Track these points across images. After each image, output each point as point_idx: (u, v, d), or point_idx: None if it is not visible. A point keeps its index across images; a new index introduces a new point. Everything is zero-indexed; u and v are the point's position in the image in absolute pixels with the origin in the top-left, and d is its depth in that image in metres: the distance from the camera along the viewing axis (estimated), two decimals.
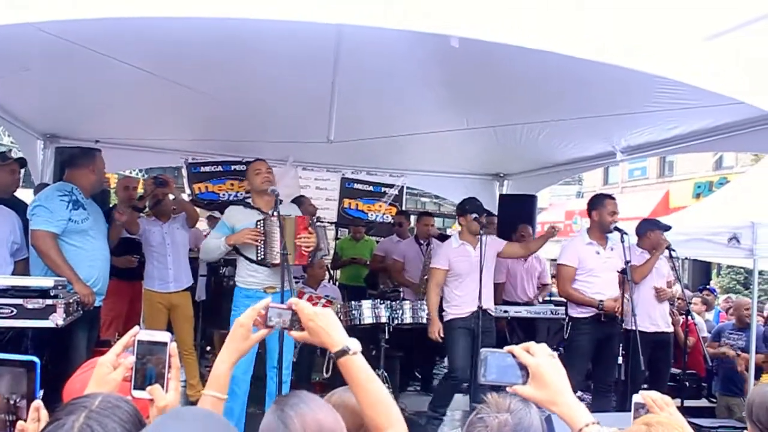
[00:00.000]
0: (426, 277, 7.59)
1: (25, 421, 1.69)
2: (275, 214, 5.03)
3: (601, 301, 5.84)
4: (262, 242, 5.08)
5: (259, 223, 5.11)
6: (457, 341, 6.02)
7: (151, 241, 6.40)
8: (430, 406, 6.24)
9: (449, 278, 6.10)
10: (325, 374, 6.06)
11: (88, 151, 5.31)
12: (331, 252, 9.12)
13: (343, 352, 1.87)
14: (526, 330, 7.53)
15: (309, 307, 1.93)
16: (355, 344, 1.91)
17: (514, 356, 1.73)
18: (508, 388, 1.73)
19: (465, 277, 5.97)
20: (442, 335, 6.05)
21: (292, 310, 1.92)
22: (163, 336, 1.75)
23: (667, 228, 6.35)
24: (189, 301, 6.63)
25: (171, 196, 6.53)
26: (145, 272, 6.45)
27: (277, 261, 4.97)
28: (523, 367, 1.71)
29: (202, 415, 1.55)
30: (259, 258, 5.12)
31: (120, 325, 6.85)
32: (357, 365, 1.88)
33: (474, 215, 6.00)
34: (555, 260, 8.74)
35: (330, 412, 1.83)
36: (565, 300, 6.26)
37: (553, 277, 10.43)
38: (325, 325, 1.91)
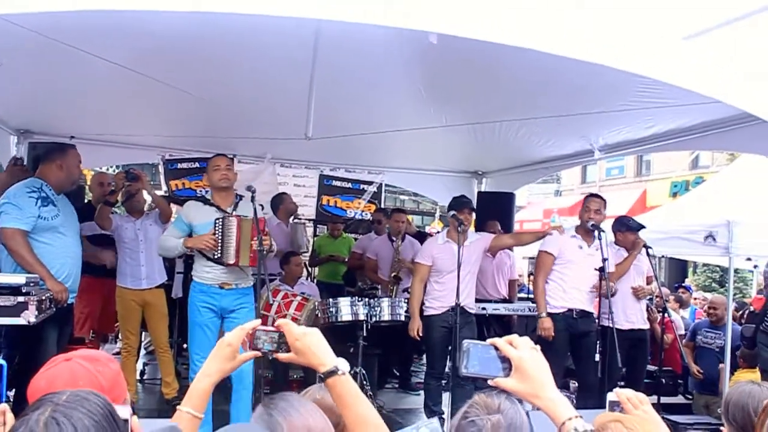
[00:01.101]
0: (394, 274, 7.59)
1: None
2: (234, 213, 5.10)
3: (548, 313, 5.91)
4: (219, 241, 5.07)
5: (217, 222, 5.09)
6: (434, 338, 6.06)
7: (124, 238, 6.32)
8: (426, 409, 6.26)
9: (432, 274, 6.14)
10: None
11: (59, 146, 5.20)
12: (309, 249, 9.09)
13: (332, 373, 1.82)
14: (503, 327, 7.55)
15: (295, 327, 1.88)
16: (343, 364, 1.85)
17: (496, 349, 1.70)
18: (489, 381, 1.70)
19: (446, 273, 6.00)
20: (421, 333, 6.06)
21: (280, 331, 1.87)
22: (124, 412, 1.57)
23: (638, 227, 6.38)
24: (163, 299, 6.57)
25: (144, 192, 6.47)
26: (118, 269, 6.37)
27: (232, 261, 5.08)
28: (506, 360, 1.68)
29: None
30: (215, 257, 5.12)
31: (94, 322, 6.80)
32: (346, 385, 1.83)
33: (452, 212, 6.04)
34: (532, 258, 8.77)
35: (320, 417, 1.79)
36: None
37: (530, 275, 10.47)
38: (312, 344, 1.86)
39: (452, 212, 6.13)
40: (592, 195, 6.24)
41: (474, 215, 6.25)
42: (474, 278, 6.29)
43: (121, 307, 6.40)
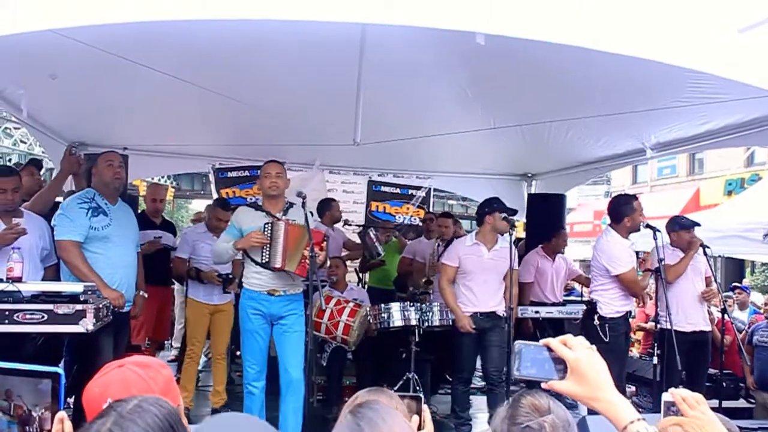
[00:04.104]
0: (424, 279, 7.53)
1: None
2: (283, 218, 5.08)
3: (610, 318, 5.82)
4: (267, 245, 5.07)
5: (267, 226, 5.09)
6: (461, 342, 6.01)
7: (200, 252, 6.39)
8: (453, 414, 6.20)
9: (459, 276, 6.05)
10: None
11: (94, 156, 5.37)
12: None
13: None
14: (557, 330, 7.45)
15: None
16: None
17: (550, 350, 1.62)
18: (543, 384, 1.63)
19: (473, 276, 5.96)
20: (473, 326, 5.94)
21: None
22: None
23: (692, 225, 6.21)
24: (231, 305, 6.57)
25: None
26: (190, 281, 6.44)
27: (278, 265, 5.04)
28: (561, 362, 1.60)
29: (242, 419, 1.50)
30: (264, 261, 5.11)
31: (150, 330, 6.88)
32: None
33: (503, 214, 5.94)
34: (584, 261, 8.65)
35: (407, 426, 1.74)
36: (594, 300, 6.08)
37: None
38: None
39: (497, 213, 6.00)
40: (631, 197, 6.15)
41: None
42: (501, 284, 6.06)
43: (192, 313, 6.49)
